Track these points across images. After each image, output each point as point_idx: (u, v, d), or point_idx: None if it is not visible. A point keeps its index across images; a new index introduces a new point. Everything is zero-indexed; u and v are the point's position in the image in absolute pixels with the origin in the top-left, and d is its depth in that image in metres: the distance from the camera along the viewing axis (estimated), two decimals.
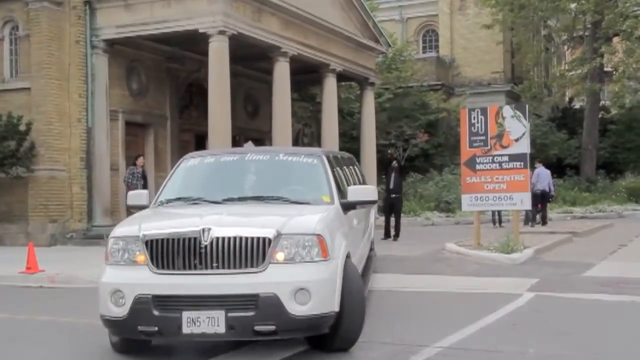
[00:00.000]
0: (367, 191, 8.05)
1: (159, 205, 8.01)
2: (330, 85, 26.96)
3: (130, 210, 9.05)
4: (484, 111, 17.81)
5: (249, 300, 6.20)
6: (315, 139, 31.30)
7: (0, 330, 9.34)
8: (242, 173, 8.45)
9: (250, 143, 23.59)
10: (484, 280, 12.47)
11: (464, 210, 19.77)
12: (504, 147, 16.85)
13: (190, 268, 6.35)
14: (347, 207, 7.90)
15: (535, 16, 37.42)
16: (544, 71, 48.07)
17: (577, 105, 50.30)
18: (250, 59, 24.58)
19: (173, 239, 6.40)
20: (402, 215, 21.79)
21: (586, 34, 37.39)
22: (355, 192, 7.97)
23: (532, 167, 23.08)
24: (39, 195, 20.87)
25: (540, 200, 24.75)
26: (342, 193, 8.20)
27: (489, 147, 16.98)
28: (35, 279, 13.67)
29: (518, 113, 17.17)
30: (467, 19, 47.89)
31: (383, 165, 26.07)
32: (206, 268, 6.32)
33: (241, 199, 7.83)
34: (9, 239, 20.51)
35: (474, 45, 47.23)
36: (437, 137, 39.28)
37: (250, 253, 6.31)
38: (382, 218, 21.27)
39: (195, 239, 6.33)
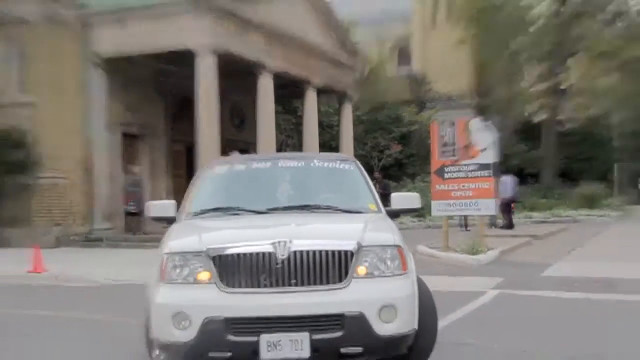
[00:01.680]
0: (411, 199, 7.06)
1: (192, 216, 6.70)
2: (311, 99, 27.10)
3: (155, 221, 7.48)
4: (453, 124, 18.03)
5: (335, 321, 5.22)
6: (297, 150, 31.40)
7: (19, 325, 9.41)
8: (278, 181, 7.16)
9: (237, 153, 23.68)
10: (452, 280, 12.55)
11: (433, 216, 19.91)
12: (471, 157, 17.07)
13: (265, 286, 5.27)
14: (393, 215, 6.85)
15: (501, 36, 37.73)
16: (508, 87, 48.51)
17: (538, 119, 50.73)
18: (237, 75, 24.49)
19: (245, 254, 5.29)
20: None
21: (548, 52, 37.75)
22: (399, 200, 6.98)
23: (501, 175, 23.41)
24: (43, 201, 20.96)
25: (507, 205, 25.05)
26: None
27: (457, 157, 17.20)
28: (41, 278, 13.77)
29: (485, 126, 17.39)
30: (439, 38, 48.16)
31: None
32: (283, 285, 5.25)
33: (287, 209, 6.64)
34: (15, 242, 20.40)
35: (445, 62, 47.45)
36: (410, 148, 39.50)
37: (332, 268, 5.29)
38: None
39: (271, 253, 5.25)
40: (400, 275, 5.49)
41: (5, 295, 12.36)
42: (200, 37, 20.73)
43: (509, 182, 25.65)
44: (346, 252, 5.30)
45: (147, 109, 24.15)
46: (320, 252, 5.26)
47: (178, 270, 5.41)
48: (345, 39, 29.48)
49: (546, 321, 8.81)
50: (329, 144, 33.56)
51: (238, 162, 7.59)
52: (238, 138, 27.87)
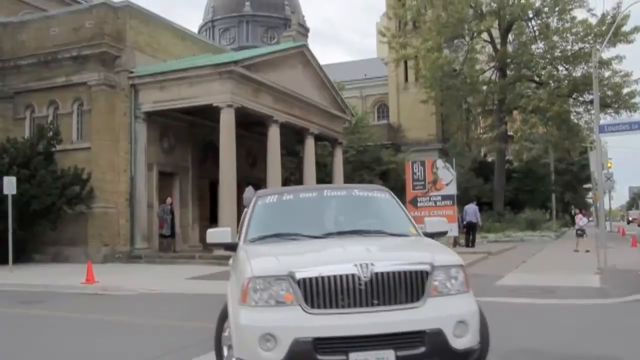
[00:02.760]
0: (442, 223, 6.50)
1: (252, 242, 5.89)
2: (309, 144, 27.11)
3: (210, 247, 6.83)
4: (422, 163, 18.11)
5: (416, 337, 4.64)
6: (298, 184, 31.36)
7: (74, 325, 9.34)
8: (325, 208, 6.51)
9: (250, 187, 23.60)
10: None
11: None
12: (437, 190, 17.11)
13: (349, 306, 4.61)
14: (429, 237, 6.22)
15: (458, 95, 38.00)
16: (465, 134, 48.75)
17: (489, 159, 50.91)
18: (251, 125, 24.63)
19: (329, 276, 4.61)
20: None
21: (494, 108, 37.99)
22: (432, 224, 6.38)
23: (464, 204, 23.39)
24: (95, 226, 20.83)
25: (468, 228, 24.92)
26: None
27: (426, 189, 17.23)
28: (92, 288, 13.67)
29: (447, 165, 17.50)
30: (409, 96, 48.53)
31: None
32: (366, 305, 4.61)
33: (340, 234, 5.89)
34: (73, 259, 20.32)
35: (415, 115, 47.78)
36: (388, 183, 39.40)
37: (410, 287, 4.71)
38: None
39: (353, 275, 4.60)
40: (466, 292, 4.97)
41: (64, 301, 12.30)
42: (223, 96, 20.82)
43: (470, 210, 25.56)
44: (422, 272, 4.76)
45: (178, 152, 24.13)
46: (400, 272, 4.69)
47: (260, 293, 4.70)
48: (336, 97, 29.62)
49: (497, 321, 8.71)
50: (324, 180, 33.52)
51: (286, 193, 6.76)
52: (251, 174, 27.81)
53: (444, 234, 6.45)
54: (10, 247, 17.36)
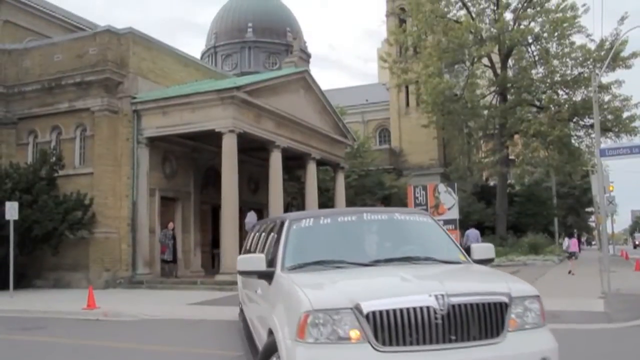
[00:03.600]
0: (489, 249, 5.99)
1: (292, 270, 5.30)
2: (311, 169, 27.16)
3: (242, 275, 6.04)
4: (424, 187, 18.13)
5: None
6: (301, 210, 31.35)
7: (84, 352, 9.26)
8: (366, 233, 6.05)
9: (252, 212, 23.61)
10: None
11: None
12: (440, 214, 17.09)
13: (424, 342, 4.09)
14: (479, 264, 5.78)
15: (459, 119, 38.13)
16: (466, 158, 48.85)
17: (491, 183, 50.92)
18: (253, 150, 24.70)
19: (402, 309, 4.09)
20: None
21: (495, 132, 38.09)
22: (480, 250, 5.88)
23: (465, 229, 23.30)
24: (97, 251, 20.79)
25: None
26: None
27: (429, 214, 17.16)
28: (93, 313, 13.59)
29: (449, 189, 17.51)
30: (411, 120, 48.69)
31: None
32: (442, 342, 4.11)
33: (389, 261, 5.39)
34: (74, 284, 20.29)
35: (416, 139, 47.90)
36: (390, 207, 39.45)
37: (489, 321, 4.23)
38: None
39: (428, 307, 4.11)
40: (544, 325, 4.54)
41: (65, 327, 12.21)
42: (225, 122, 20.92)
43: (472, 234, 25.46)
44: (501, 304, 4.30)
45: (180, 177, 24.17)
46: (478, 304, 4.22)
47: (321, 328, 4.13)
48: (338, 122, 29.74)
49: None
50: (326, 205, 33.50)
51: (323, 216, 6.18)
52: (253, 200, 27.83)
53: (491, 260, 5.97)
54: (11, 272, 17.30)
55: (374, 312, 4.08)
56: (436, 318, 4.10)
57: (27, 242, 19.92)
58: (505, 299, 4.33)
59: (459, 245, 5.96)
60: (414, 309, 4.10)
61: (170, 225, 22.26)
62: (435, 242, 5.98)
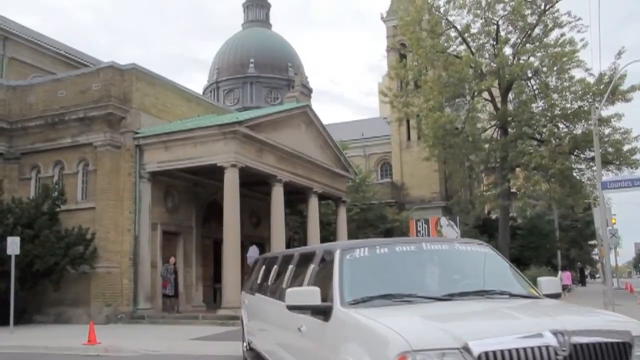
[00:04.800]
0: (557, 283, 5.61)
1: (356, 304, 4.76)
2: (313, 203, 27.21)
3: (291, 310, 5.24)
4: (426, 221, 18.12)
5: None
6: (302, 244, 31.30)
7: None
8: (427, 264, 5.60)
9: (254, 247, 23.60)
10: None
11: None
12: None
13: None
14: (551, 299, 5.31)
15: (460, 153, 38.25)
16: (468, 191, 48.83)
17: (493, 216, 50.82)
18: (254, 184, 24.75)
19: (517, 350, 3.65)
20: None
21: (497, 165, 38.18)
22: (549, 284, 5.44)
23: None
24: (98, 286, 20.74)
25: None
26: None
27: None
28: (94, 349, 13.50)
29: (451, 222, 17.48)
30: (412, 154, 48.85)
31: None
32: None
33: (463, 294, 4.95)
34: (75, 319, 20.20)
35: (418, 173, 48.02)
36: None
37: None
38: None
39: (548, 347, 3.68)
40: None
41: None
42: (227, 156, 21.05)
43: None
44: (624, 344, 3.89)
45: (182, 211, 24.21)
46: (601, 344, 3.81)
47: None
48: (340, 156, 29.89)
49: None
50: (328, 239, 33.41)
51: (379, 246, 5.68)
52: (255, 234, 27.82)
53: (559, 295, 5.57)
54: (12, 308, 17.24)
55: (486, 353, 3.61)
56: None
57: (28, 277, 19.88)
58: (628, 339, 3.93)
59: (525, 278, 5.64)
60: (532, 349, 3.66)
61: (172, 259, 22.23)
62: (501, 274, 5.61)
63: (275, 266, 7.67)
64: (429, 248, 5.69)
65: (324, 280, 5.37)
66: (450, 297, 4.87)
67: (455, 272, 5.58)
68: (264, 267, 8.73)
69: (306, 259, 6.45)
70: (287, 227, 27.31)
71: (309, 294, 4.99)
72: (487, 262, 5.70)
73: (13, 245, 17.44)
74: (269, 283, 7.72)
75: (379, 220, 39.81)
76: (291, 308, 5.10)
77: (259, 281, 8.75)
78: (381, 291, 4.93)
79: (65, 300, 20.86)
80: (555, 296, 5.37)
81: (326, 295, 5.00)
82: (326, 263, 5.58)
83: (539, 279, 5.68)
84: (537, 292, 5.28)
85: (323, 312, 4.93)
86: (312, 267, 5.87)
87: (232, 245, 20.87)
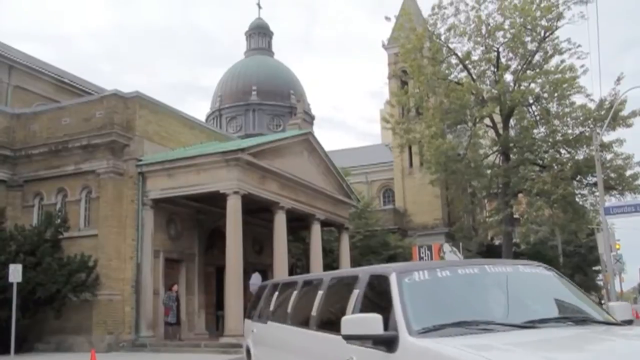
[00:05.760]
0: (628, 308, 5.24)
1: (426, 333, 4.32)
2: (315, 230, 27.16)
3: (351, 341, 4.69)
4: (429, 247, 18.06)
5: None
6: (305, 271, 31.16)
7: None
8: (494, 288, 5.18)
9: (257, 274, 23.50)
10: None
11: None
12: None
13: None
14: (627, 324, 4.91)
15: (463, 179, 38.24)
16: (471, 217, 48.69)
17: (496, 242, 50.59)
18: (257, 211, 24.78)
19: None
20: None
21: (499, 191, 38.14)
22: (621, 309, 5.07)
23: None
24: (100, 313, 20.64)
25: None
26: None
27: None
28: None
29: (454, 249, 17.42)
30: (414, 180, 48.88)
31: None
32: None
33: (544, 321, 4.53)
34: (76, 347, 20.08)
35: (420, 199, 47.98)
36: None
37: None
38: None
39: None
40: None
41: None
42: (229, 183, 21.10)
43: None
44: None
45: (185, 238, 24.17)
46: None
47: None
48: (342, 183, 29.92)
49: None
50: (331, 266, 33.26)
51: (439, 268, 5.22)
52: (257, 261, 27.73)
53: (632, 321, 5.16)
54: (13, 336, 17.13)
55: None
56: None
57: (29, 304, 19.80)
58: None
59: (595, 302, 5.30)
60: None
61: (175, 287, 22.14)
62: (572, 298, 5.21)
63: (294, 292, 7.22)
64: (493, 271, 5.27)
65: (375, 306, 4.89)
66: (531, 324, 4.45)
67: (525, 297, 5.17)
68: (276, 293, 8.27)
69: (344, 283, 6.04)
70: (290, 254, 27.21)
71: (370, 322, 4.45)
72: (554, 285, 5.36)
73: (15, 273, 17.40)
74: (289, 310, 7.24)
75: (382, 247, 39.65)
76: (348, 338, 4.59)
77: (271, 308, 8.26)
78: (451, 318, 4.49)
79: (66, 328, 20.73)
80: (629, 322, 5.02)
81: (385, 324, 4.54)
82: (377, 288, 5.16)
83: (610, 304, 5.41)
84: (613, 317, 4.91)
85: (387, 343, 4.45)
86: (356, 293, 5.39)
87: (234, 272, 20.80)
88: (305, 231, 29.44)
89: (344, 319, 4.66)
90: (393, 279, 4.94)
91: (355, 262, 33.10)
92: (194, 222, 24.62)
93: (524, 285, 5.28)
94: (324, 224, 28.23)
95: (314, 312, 6.19)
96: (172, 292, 21.86)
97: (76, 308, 20.60)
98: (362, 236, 38.22)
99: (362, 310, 4.99)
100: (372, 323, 4.41)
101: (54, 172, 22.54)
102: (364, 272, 5.68)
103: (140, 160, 22.08)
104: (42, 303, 20.14)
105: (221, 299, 23.34)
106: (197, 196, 22.39)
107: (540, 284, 5.34)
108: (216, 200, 22.00)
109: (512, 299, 5.00)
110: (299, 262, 32.83)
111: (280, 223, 23.80)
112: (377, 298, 5.06)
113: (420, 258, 18.23)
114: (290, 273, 27.50)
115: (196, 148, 23.65)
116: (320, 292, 6.33)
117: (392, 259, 38.93)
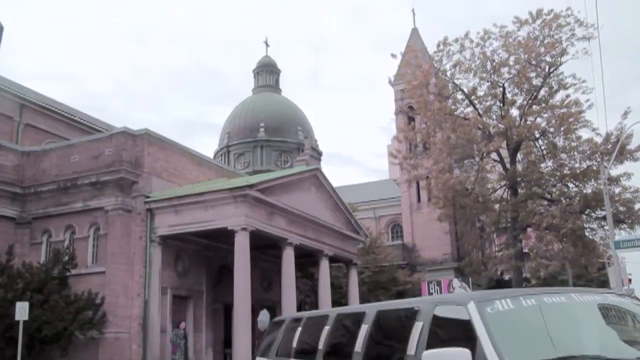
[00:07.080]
0: None
1: None
2: (324, 266, 26.95)
3: None
4: (438, 283, 17.89)
5: None
6: (314, 307, 30.84)
7: None
8: (585, 318, 4.79)
9: (265, 311, 23.22)
10: None
11: None
12: None
13: None
14: None
15: (471, 213, 38.04)
16: (480, 252, 48.28)
17: (506, 277, 50.05)
18: (265, 247, 24.64)
19: None
20: None
21: (508, 225, 37.87)
22: None
23: None
24: (106, 352, 20.44)
25: None
26: None
27: None
28: None
29: (464, 284, 17.24)
30: (422, 215, 48.69)
31: None
32: None
33: None
34: None
35: (429, 234, 47.69)
36: None
37: None
38: None
39: None
40: None
41: None
42: (237, 220, 21.05)
43: None
44: None
45: (193, 275, 24.01)
46: None
47: None
48: (350, 218, 29.80)
49: None
50: (339, 302, 32.91)
51: (523, 297, 4.81)
52: (265, 297, 27.46)
53: None
54: None
55: None
56: None
57: (35, 343, 19.61)
58: None
59: None
60: None
61: (182, 324, 21.90)
62: None
63: (326, 327, 6.74)
64: (582, 300, 4.85)
65: (447, 340, 4.49)
66: None
67: (620, 328, 4.81)
68: (299, 328, 7.79)
69: (397, 316, 5.65)
70: (298, 290, 26.96)
71: (459, 357, 4.03)
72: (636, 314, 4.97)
73: (22, 311, 17.28)
74: (320, 346, 6.75)
75: (391, 282, 39.29)
76: None
77: (294, 345, 7.70)
78: (549, 353, 4.05)
79: None
80: None
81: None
82: (448, 319, 4.75)
83: None
84: None
85: None
86: (418, 326, 4.91)
87: (242, 309, 20.59)
88: (314, 267, 29.23)
89: (425, 353, 4.26)
90: (473, 309, 4.50)
91: (363, 298, 32.76)
92: (201, 259, 24.49)
93: (616, 315, 4.89)
94: (333, 259, 28.03)
95: (357, 349, 5.76)
96: (179, 329, 21.61)
97: (83, 346, 20.41)
98: (370, 272, 37.91)
99: (430, 345, 4.55)
100: (460, 359, 4.03)
101: (62, 209, 22.58)
102: (425, 302, 5.31)
103: (149, 197, 22.09)
104: (48, 341, 19.95)
105: (229, 336, 23.05)
106: (205, 232, 22.31)
107: (634, 314, 4.95)
108: (224, 237, 21.91)
109: (608, 330, 4.66)
110: (307, 299, 32.52)
111: (288, 259, 23.63)
112: (450, 331, 4.67)
113: (430, 294, 18.01)
114: (299, 309, 27.22)
115: (204, 184, 23.67)
116: (364, 327, 5.88)
117: (400, 294, 38.51)
